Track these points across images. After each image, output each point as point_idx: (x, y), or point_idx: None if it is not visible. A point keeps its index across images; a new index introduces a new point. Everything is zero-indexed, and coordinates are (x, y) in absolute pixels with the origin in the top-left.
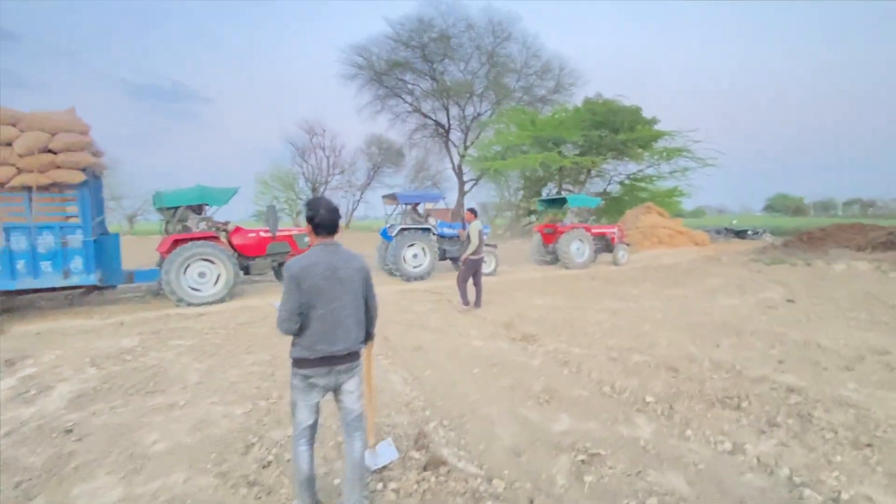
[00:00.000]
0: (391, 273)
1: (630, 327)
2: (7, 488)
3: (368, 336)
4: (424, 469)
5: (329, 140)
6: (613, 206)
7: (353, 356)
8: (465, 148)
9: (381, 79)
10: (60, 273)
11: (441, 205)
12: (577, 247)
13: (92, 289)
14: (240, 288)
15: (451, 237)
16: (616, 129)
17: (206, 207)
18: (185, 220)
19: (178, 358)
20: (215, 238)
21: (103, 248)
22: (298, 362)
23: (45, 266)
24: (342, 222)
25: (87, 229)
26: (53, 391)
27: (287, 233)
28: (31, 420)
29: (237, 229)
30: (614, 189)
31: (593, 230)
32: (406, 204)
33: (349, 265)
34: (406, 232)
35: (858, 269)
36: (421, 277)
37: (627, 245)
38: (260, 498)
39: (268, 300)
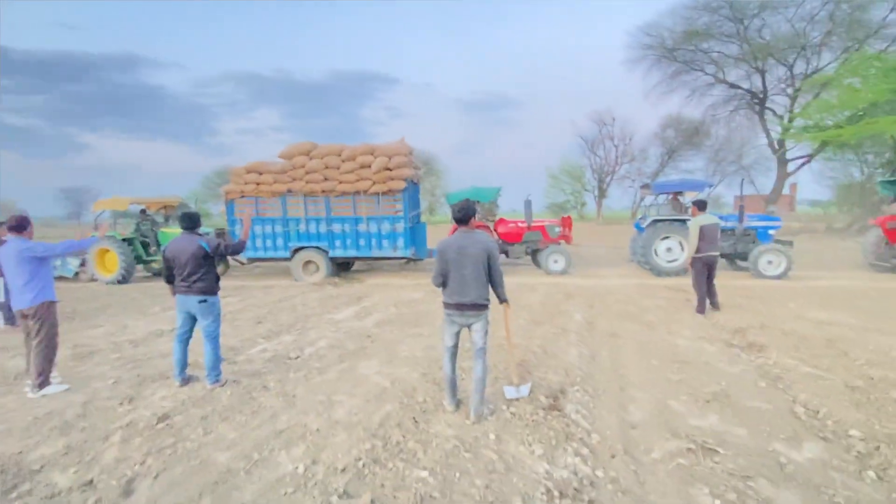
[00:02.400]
0: (642, 266)
1: None
2: (334, 356)
3: (501, 299)
4: (544, 409)
5: (619, 128)
6: None
7: (477, 306)
8: (791, 118)
9: (673, 54)
10: (392, 248)
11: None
12: None
13: (408, 260)
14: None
15: (725, 230)
16: None
17: (477, 203)
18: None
19: (440, 309)
20: (483, 227)
21: (416, 233)
22: (444, 305)
23: (385, 243)
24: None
25: (406, 219)
26: (371, 317)
27: (541, 223)
28: (357, 328)
29: (500, 220)
30: None
31: None
32: (662, 194)
33: (475, 245)
34: (659, 224)
35: None
36: (676, 273)
37: None
38: (434, 391)
39: (522, 280)
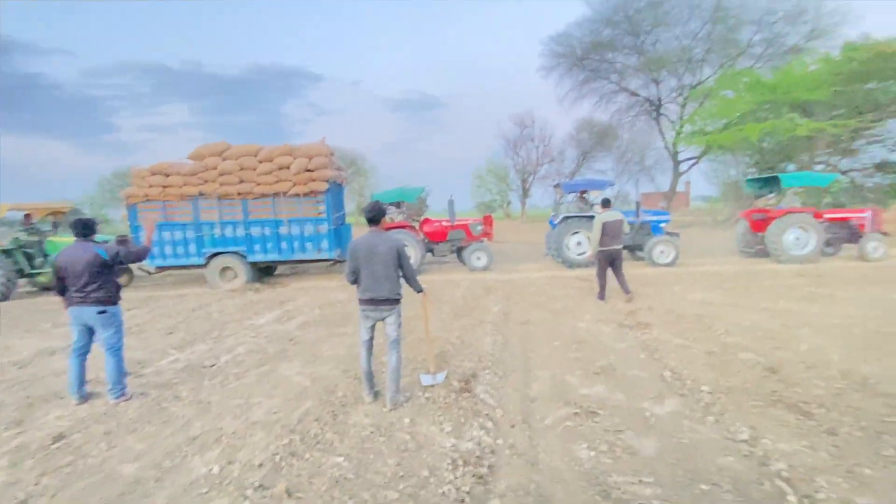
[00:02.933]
0: (556, 260)
1: (779, 329)
2: (253, 360)
3: (417, 290)
4: (456, 392)
5: (538, 130)
6: None
7: (389, 301)
8: (681, 124)
9: (583, 63)
10: (316, 250)
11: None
12: (794, 236)
13: (334, 262)
14: (428, 266)
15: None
16: (890, 80)
17: (404, 203)
18: (389, 213)
19: None
20: (408, 227)
21: (341, 234)
22: (359, 301)
23: (308, 245)
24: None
25: (330, 221)
26: (294, 320)
27: (464, 222)
28: (279, 332)
29: (426, 220)
30: None
31: (827, 215)
32: (570, 192)
33: (384, 244)
34: (570, 220)
35: None
36: (586, 265)
37: (885, 234)
38: (354, 385)
39: (446, 276)
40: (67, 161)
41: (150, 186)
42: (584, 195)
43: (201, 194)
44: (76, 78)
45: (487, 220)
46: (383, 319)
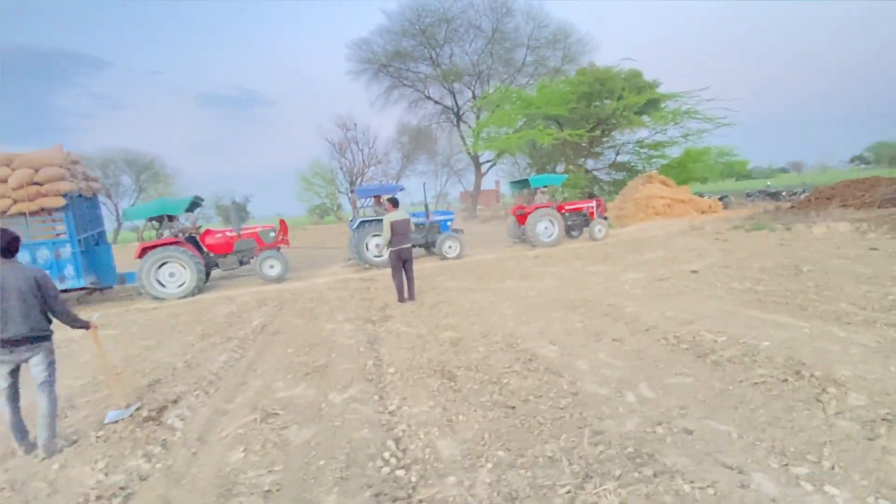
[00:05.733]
0: (357, 262)
1: (487, 306)
2: None
3: (74, 327)
4: (139, 423)
5: (362, 133)
6: (631, 178)
7: (29, 339)
8: (475, 131)
9: (387, 70)
10: (58, 279)
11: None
12: (544, 226)
13: (91, 290)
14: (215, 282)
15: (418, 225)
16: (608, 99)
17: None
18: (158, 227)
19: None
20: (178, 242)
21: (97, 257)
22: None
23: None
24: None
25: (74, 243)
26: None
27: (252, 230)
28: None
29: (207, 231)
30: (629, 160)
31: (567, 207)
32: (364, 197)
33: (18, 278)
34: (366, 224)
35: (837, 231)
36: (385, 265)
37: (605, 219)
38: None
39: (225, 293)
40: None
41: None
42: (378, 199)
43: None
44: None
45: (282, 226)
46: (26, 361)
